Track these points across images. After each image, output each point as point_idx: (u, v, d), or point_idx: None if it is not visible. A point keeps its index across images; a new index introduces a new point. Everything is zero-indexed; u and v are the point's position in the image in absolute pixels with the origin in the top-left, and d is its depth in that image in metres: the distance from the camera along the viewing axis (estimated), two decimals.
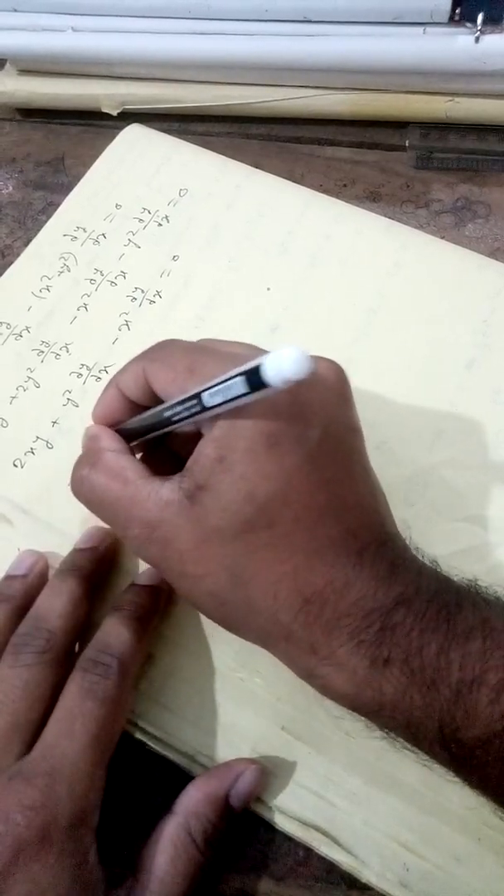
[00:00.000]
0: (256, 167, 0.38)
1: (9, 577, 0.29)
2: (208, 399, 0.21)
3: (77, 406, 0.33)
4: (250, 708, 0.27)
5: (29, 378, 0.34)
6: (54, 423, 0.33)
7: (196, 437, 0.23)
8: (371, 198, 0.39)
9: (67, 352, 0.34)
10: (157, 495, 0.23)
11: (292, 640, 0.22)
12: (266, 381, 0.19)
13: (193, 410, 0.22)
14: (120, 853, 0.24)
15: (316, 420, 0.22)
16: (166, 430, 0.24)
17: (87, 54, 0.40)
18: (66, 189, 0.39)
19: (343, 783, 0.26)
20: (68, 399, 0.33)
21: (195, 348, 0.25)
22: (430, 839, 0.25)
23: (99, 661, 0.25)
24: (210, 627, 0.28)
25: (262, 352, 0.21)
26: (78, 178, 0.38)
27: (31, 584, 0.29)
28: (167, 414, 0.23)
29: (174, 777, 0.27)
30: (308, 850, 0.26)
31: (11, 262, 0.37)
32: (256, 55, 0.38)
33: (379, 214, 0.37)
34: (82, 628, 0.28)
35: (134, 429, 0.26)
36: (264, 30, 0.38)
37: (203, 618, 0.29)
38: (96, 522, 0.30)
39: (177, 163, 0.38)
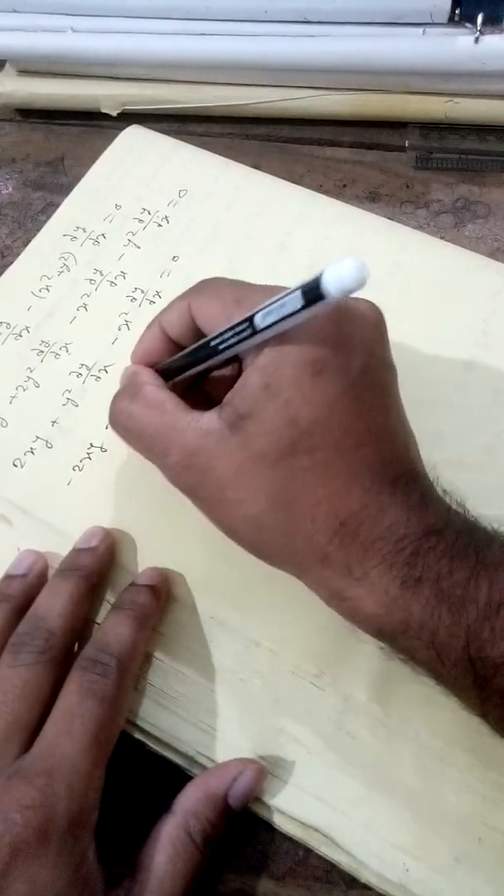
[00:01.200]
0: (256, 168, 0.38)
1: (8, 577, 0.29)
2: (260, 320, 0.22)
3: (77, 406, 0.33)
4: (250, 708, 0.27)
5: (29, 378, 0.34)
6: (54, 422, 0.33)
7: (231, 380, 0.24)
8: (370, 198, 0.39)
9: (67, 352, 0.34)
10: (196, 424, 0.23)
11: (327, 562, 0.23)
12: (325, 291, 0.19)
13: (244, 335, 0.22)
14: (119, 853, 0.24)
15: (358, 352, 0.23)
16: (208, 363, 0.25)
17: (86, 55, 0.40)
18: (66, 189, 0.39)
19: (343, 784, 0.26)
20: (68, 399, 0.33)
21: (241, 282, 0.25)
22: (429, 840, 0.25)
23: (98, 660, 0.25)
24: (210, 627, 0.28)
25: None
26: (78, 178, 0.39)
27: (31, 583, 0.29)
28: (214, 342, 0.24)
29: (173, 777, 0.27)
30: (308, 851, 0.26)
31: (11, 263, 0.37)
32: (256, 56, 0.38)
33: (378, 215, 0.37)
34: (82, 628, 0.28)
35: (173, 367, 0.26)
36: (264, 30, 0.38)
37: (203, 618, 0.29)
38: (95, 522, 0.30)
39: (176, 163, 0.38)
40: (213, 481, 0.23)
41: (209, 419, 0.23)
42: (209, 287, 0.25)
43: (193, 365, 0.25)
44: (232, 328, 0.23)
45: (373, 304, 0.25)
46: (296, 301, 0.20)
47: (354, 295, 0.20)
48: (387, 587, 0.22)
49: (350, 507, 0.23)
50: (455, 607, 0.21)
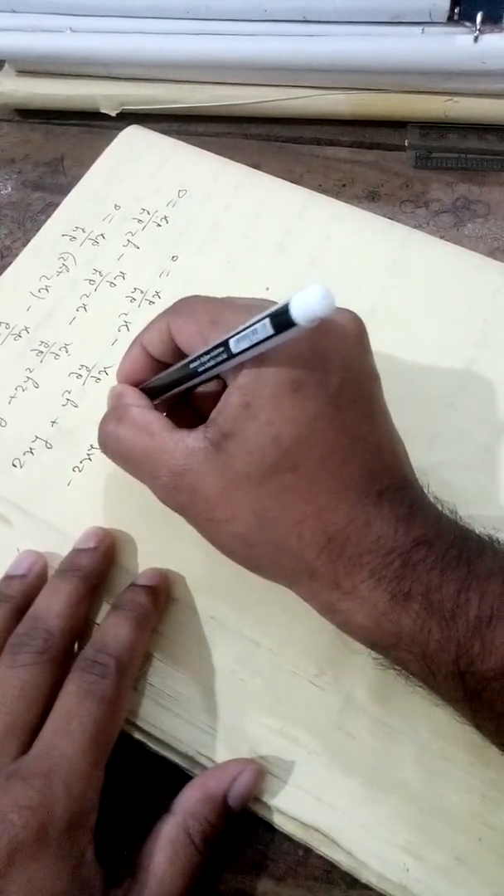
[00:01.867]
0: (255, 167, 0.38)
1: (8, 577, 0.29)
2: (235, 345, 0.22)
3: (76, 406, 0.33)
4: (249, 708, 0.27)
5: (28, 378, 0.34)
6: (53, 423, 0.33)
7: (216, 395, 0.24)
8: (370, 197, 0.39)
9: (67, 352, 0.34)
10: (183, 444, 0.24)
11: (316, 576, 0.23)
12: (293, 319, 0.20)
13: (220, 359, 0.23)
14: (118, 853, 0.24)
15: (336, 366, 0.23)
16: (191, 383, 0.25)
17: (85, 55, 0.40)
18: (65, 190, 0.39)
19: (342, 784, 0.26)
20: (67, 399, 0.33)
21: (217, 301, 0.25)
22: (430, 840, 0.25)
23: (97, 660, 0.25)
24: (210, 627, 0.28)
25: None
26: (77, 178, 0.39)
27: (30, 584, 0.29)
28: (193, 365, 0.24)
29: (173, 777, 0.27)
30: (308, 850, 0.26)
31: (10, 263, 0.37)
32: (255, 55, 0.38)
33: (378, 214, 0.37)
34: (81, 628, 0.28)
35: (158, 386, 0.27)
36: (263, 30, 0.38)
37: (203, 618, 0.29)
38: (95, 522, 0.30)
39: (175, 163, 0.38)
40: (201, 501, 0.24)
41: (195, 438, 0.24)
42: (186, 307, 0.26)
43: (176, 385, 0.26)
44: (208, 352, 0.23)
45: (353, 315, 0.25)
46: (266, 329, 0.21)
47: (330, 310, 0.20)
48: (376, 601, 0.22)
49: (337, 522, 0.23)
50: (445, 621, 0.21)
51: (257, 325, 0.21)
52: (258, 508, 0.23)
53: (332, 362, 0.23)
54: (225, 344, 0.22)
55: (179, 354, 0.25)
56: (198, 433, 0.24)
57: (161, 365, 0.27)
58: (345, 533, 0.22)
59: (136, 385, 0.27)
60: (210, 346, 0.23)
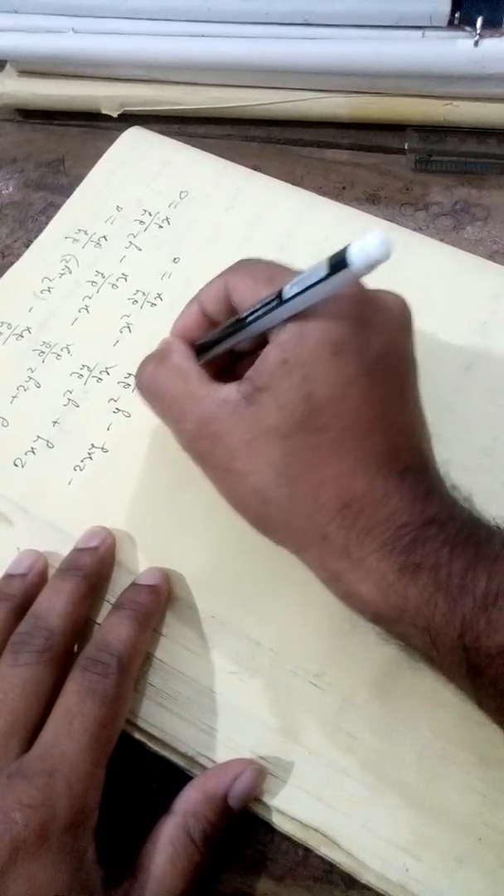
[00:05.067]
0: (256, 169, 0.39)
1: (8, 576, 0.29)
2: (287, 290, 0.23)
3: (78, 406, 0.33)
4: (249, 709, 0.27)
5: (30, 378, 0.34)
6: (55, 422, 0.33)
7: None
8: (370, 200, 0.39)
9: (68, 352, 0.34)
10: (214, 394, 0.24)
11: (326, 542, 0.23)
12: (349, 260, 0.20)
13: (271, 306, 0.23)
14: (119, 853, 0.24)
15: (378, 339, 0.23)
16: (239, 338, 0.26)
17: (87, 56, 0.40)
18: (67, 190, 0.39)
19: (342, 784, 0.26)
20: (69, 399, 0.33)
21: (276, 263, 0.26)
22: (430, 840, 0.25)
23: (98, 660, 0.25)
24: (210, 627, 0.28)
25: None
26: (78, 178, 0.39)
27: (31, 583, 0.29)
28: (243, 315, 0.25)
29: (173, 777, 0.27)
30: (307, 851, 0.26)
31: (11, 263, 0.37)
32: (256, 58, 0.38)
33: (378, 217, 0.37)
34: (82, 628, 0.28)
35: (207, 342, 0.27)
36: (264, 32, 0.38)
37: (203, 618, 0.29)
38: (96, 521, 0.30)
39: (177, 165, 0.38)
40: (223, 451, 0.24)
41: (227, 391, 0.24)
42: (245, 266, 0.26)
43: (225, 339, 0.26)
44: (261, 301, 0.24)
45: (400, 297, 0.25)
46: (321, 270, 0.21)
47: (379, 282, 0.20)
48: (384, 572, 0.22)
49: (354, 490, 0.23)
50: (452, 596, 0.21)
51: (312, 269, 0.22)
52: (280, 464, 0.23)
53: (374, 334, 0.23)
54: (279, 293, 0.23)
55: (232, 313, 0.26)
56: (231, 386, 0.24)
57: (214, 325, 0.27)
58: (361, 503, 0.23)
59: (187, 341, 0.28)
60: (265, 297, 0.24)
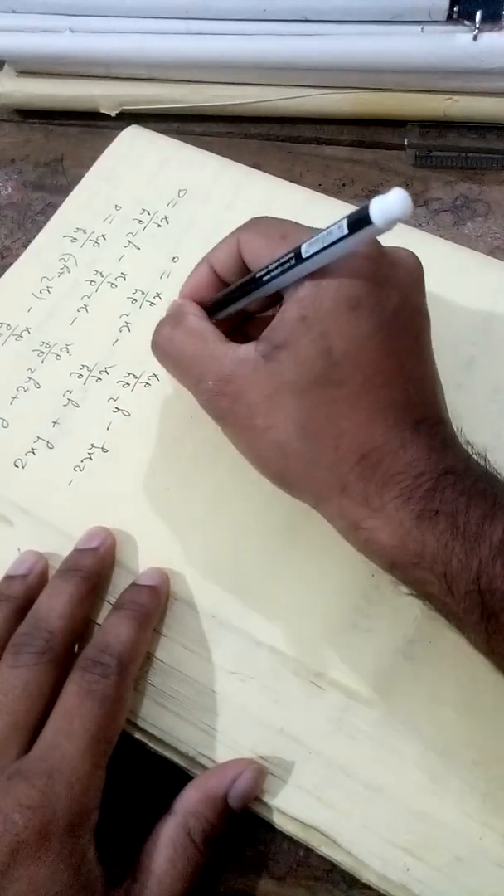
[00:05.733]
0: (255, 167, 0.38)
1: (9, 578, 0.29)
2: (306, 249, 0.23)
3: (78, 406, 0.33)
4: (250, 708, 0.27)
5: (29, 378, 0.34)
6: (55, 423, 0.33)
7: (270, 320, 0.25)
8: (370, 197, 0.39)
9: (68, 352, 0.34)
10: (233, 353, 0.25)
11: (346, 491, 0.23)
12: (371, 218, 0.21)
13: (288, 266, 0.24)
14: (119, 853, 0.24)
15: (394, 294, 0.24)
16: (253, 297, 0.26)
17: (85, 55, 0.40)
18: (65, 190, 0.39)
19: (343, 784, 0.26)
20: (69, 399, 0.33)
21: (288, 221, 0.26)
22: (430, 840, 0.25)
23: (98, 660, 0.25)
24: (211, 627, 0.28)
25: None
26: (77, 178, 0.39)
27: (32, 584, 0.29)
28: (259, 274, 0.25)
29: (174, 777, 0.27)
30: (308, 850, 0.26)
31: (10, 264, 0.37)
32: (255, 55, 0.38)
33: None
34: (82, 629, 0.28)
35: (220, 300, 0.27)
36: (262, 29, 0.38)
37: (203, 618, 0.29)
38: (96, 522, 0.30)
39: (176, 164, 0.38)
40: (243, 408, 0.24)
41: (246, 349, 0.25)
42: (257, 224, 0.27)
43: (239, 298, 0.27)
44: (277, 260, 0.24)
45: (414, 255, 0.26)
46: (341, 228, 0.22)
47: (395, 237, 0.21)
48: (403, 519, 0.22)
49: (373, 440, 0.23)
50: (469, 543, 0.21)
51: (332, 227, 0.22)
52: (299, 418, 0.24)
53: (390, 289, 0.24)
54: (296, 251, 0.23)
55: (244, 273, 0.26)
56: (249, 346, 0.25)
57: (223, 286, 0.28)
58: (379, 452, 0.23)
59: (197, 302, 0.28)
60: (280, 255, 0.24)
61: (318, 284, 0.23)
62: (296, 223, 0.26)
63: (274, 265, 0.24)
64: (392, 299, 0.24)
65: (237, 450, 0.26)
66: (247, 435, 0.25)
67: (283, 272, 0.24)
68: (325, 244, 0.22)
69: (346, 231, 0.22)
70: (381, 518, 0.23)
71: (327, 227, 0.22)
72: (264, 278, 0.25)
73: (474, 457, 0.24)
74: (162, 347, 0.27)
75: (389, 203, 0.20)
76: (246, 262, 0.26)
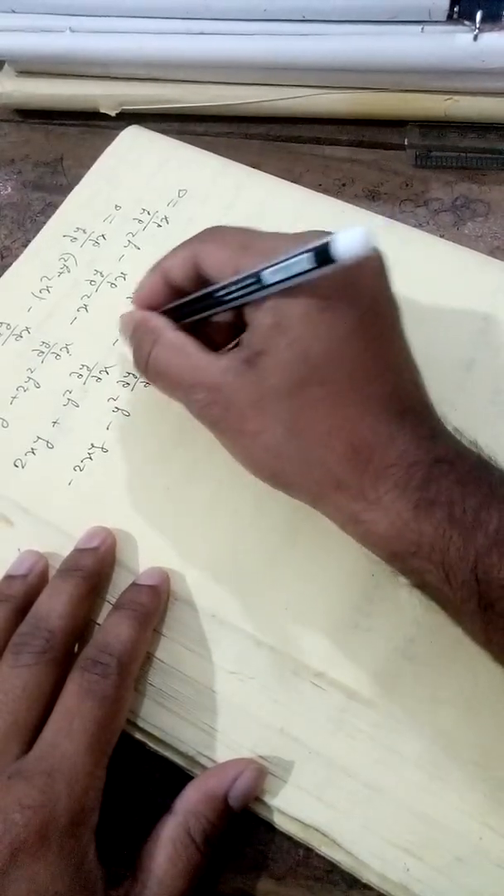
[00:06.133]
0: (255, 167, 0.38)
1: (9, 577, 0.29)
2: (269, 277, 0.23)
3: (77, 406, 0.33)
4: (250, 708, 0.27)
5: (29, 378, 0.34)
6: (55, 423, 0.33)
7: (229, 325, 0.26)
8: (370, 197, 0.39)
9: (68, 352, 0.34)
10: (217, 362, 0.25)
11: (342, 487, 0.24)
12: (336, 257, 0.21)
13: (251, 290, 0.24)
14: (120, 853, 0.24)
15: (364, 291, 0.24)
16: (214, 311, 0.26)
17: (85, 55, 0.40)
18: (65, 190, 0.39)
19: (343, 784, 0.26)
20: (69, 399, 0.33)
21: (246, 229, 0.27)
22: (430, 840, 0.25)
23: (98, 660, 0.25)
24: (211, 627, 0.28)
25: (307, 236, 0.24)
26: (77, 178, 0.39)
27: (32, 584, 0.29)
28: (220, 294, 0.25)
29: (174, 777, 0.27)
30: (308, 850, 0.26)
31: (10, 264, 0.37)
32: (255, 55, 0.38)
33: (378, 213, 0.36)
34: (82, 628, 0.28)
35: (178, 312, 0.27)
36: (262, 29, 0.38)
37: (203, 617, 0.29)
38: (96, 521, 0.30)
39: (176, 163, 0.38)
40: (234, 415, 0.25)
41: (228, 358, 0.25)
42: (215, 234, 0.27)
43: (199, 312, 0.27)
44: (238, 282, 0.24)
45: (375, 247, 0.25)
46: (305, 263, 0.22)
47: None
48: (400, 510, 0.23)
49: (362, 434, 0.23)
50: (466, 531, 0.22)
51: (295, 260, 0.22)
52: (287, 420, 0.24)
53: (360, 287, 0.24)
54: (257, 276, 0.23)
55: (200, 283, 0.26)
56: (231, 354, 0.25)
57: (177, 294, 0.28)
58: (370, 445, 0.23)
59: (152, 310, 0.28)
60: (241, 276, 0.24)
61: (288, 292, 0.24)
62: (254, 231, 0.26)
63: (235, 286, 0.24)
64: (363, 297, 0.24)
65: (232, 456, 0.26)
66: (239, 440, 0.25)
67: (244, 294, 0.24)
68: (289, 275, 0.23)
69: (310, 265, 0.22)
70: (378, 510, 0.23)
71: (290, 256, 0.22)
72: (225, 297, 0.25)
73: (464, 443, 0.24)
74: (149, 369, 0.27)
75: (353, 241, 0.21)
76: (205, 274, 0.26)
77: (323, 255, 0.22)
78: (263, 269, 0.23)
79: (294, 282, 0.23)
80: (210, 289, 0.26)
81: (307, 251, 0.22)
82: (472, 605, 0.22)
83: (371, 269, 0.25)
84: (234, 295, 0.25)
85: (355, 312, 0.24)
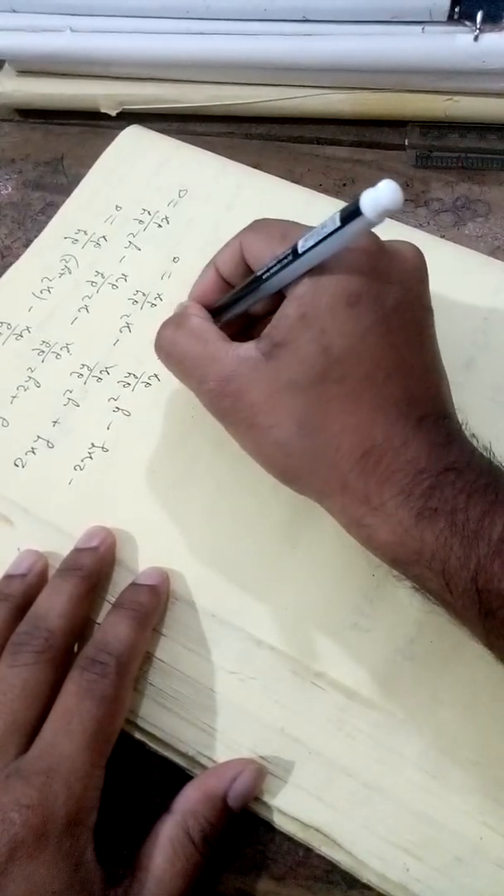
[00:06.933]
0: (256, 167, 0.38)
1: (8, 577, 0.29)
2: (302, 244, 0.23)
3: (78, 406, 0.33)
4: (250, 708, 0.27)
5: (30, 378, 0.34)
6: (55, 422, 0.33)
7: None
8: None
9: (68, 352, 0.34)
10: (234, 353, 0.25)
11: (347, 489, 0.23)
12: (361, 209, 0.21)
13: (286, 262, 0.24)
14: (118, 853, 0.24)
15: (393, 288, 0.24)
16: (255, 296, 0.26)
17: (85, 55, 0.40)
18: (66, 190, 0.39)
19: (343, 784, 0.26)
20: (69, 399, 0.33)
21: (288, 221, 0.27)
22: (430, 840, 0.25)
23: (97, 659, 0.25)
24: (211, 627, 0.28)
25: None
26: (77, 178, 0.39)
27: (31, 583, 0.29)
28: (259, 273, 0.25)
29: (174, 777, 0.27)
30: (308, 850, 0.26)
31: (11, 263, 0.37)
32: (255, 55, 0.38)
33: None
34: (82, 628, 0.28)
35: (224, 304, 0.28)
36: (263, 29, 0.38)
37: (203, 617, 0.29)
38: (96, 521, 0.30)
39: (176, 163, 0.38)
40: (245, 407, 0.24)
41: (246, 348, 0.25)
42: (259, 225, 0.27)
43: (242, 299, 0.27)
44: (277, 258, 0.24)
45: (415, 248, 0.26)
46: (333, 222, 0.22)
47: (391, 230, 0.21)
48: (402, 517, 0.22)
49: (374, 438, 0.23)
50: (467, 541, 0.21)
51: (326, 221, 0.22)
52: (301, 416, 0.24)
53: (390, 283, 0.24)
54: (293, 247, 0.23)
55: (248, 275, 0.26)
56: (249, 344, 0.25)
57: (230, 288, 0.28)
58: (380, 450, 0.23)
59: (205, 306, 0.28)
60: (279, 255, 0.24)
61: (317, 281, 0.24)
62: (296, 223, 0.26)
63: (273, 263, 0.24)
64: (391, 293, 0.24)
65: (241, 448, 0.26)
66: (250, 434, 0.25)
67: (281, 269, 0.24)
68: (320, 238, 0.22)
69: (338, 223, 0.22)
70: (380, 516, 0.23)
71: (322, 223, 0.23)
72: (264, 276, 0.25)
73: (479, 450, 0.24)
74: (164, 349, 0.27)
75: (379, 195, 0.21)
76: (249, 264, 0.26)
77: (350, 210, 0.21)
78: (298, 241, 0.23)
79: (327, 248, 0.22)
80: (251, 276, 0.26)
81: (336, 212, 0.22)
82: (473, 613, 0.22)
83: (406, 270, 0.25)
84: (272, 271, 0.24)
85: (382, 310, 0.24)
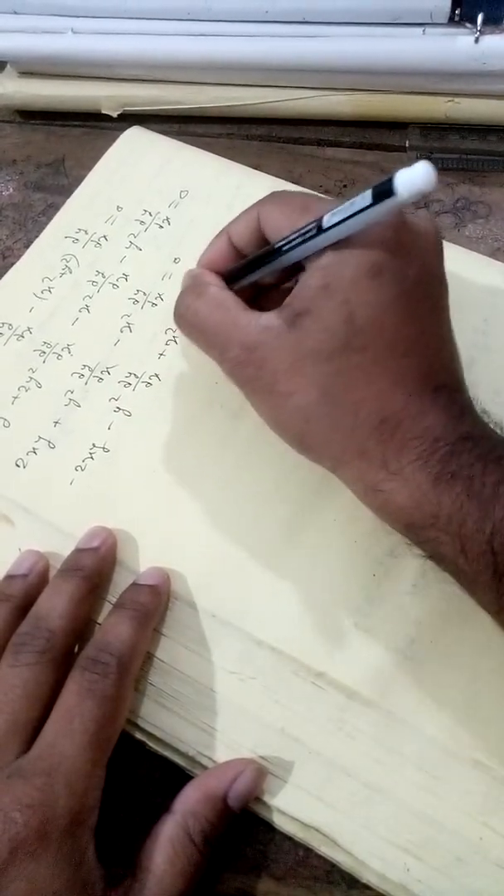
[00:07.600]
0: (256, 168, 0.38)
1: (9, 577, 0.29)
2: (328, 220, 0.23)
3: (79, 406, 0.33)
4: (250, 708, 0.27)
5: (31, 378, 0.34)
6: (56, 423, 0.33)
7: (288, 293, 0.25)
8: None
9: (69, 352, 0.34)
10: (257, 321, 0.25)
11: (365, 455, 0.24)
12: (395, 189, 0.21)
13: (309, 235, 0.24)
14: (119, 852, 0.24)
15: (415, 261, 0.24)
16: (272, 268, 0.26)
17: (87, 56, 0.40)
18: (67, 191, 0.39)
19: (343, 784, 0.26)
20: (70, 399, 0.33)
21: (308, 193, 0.27)
22: (430, 840, 0.25)
23: (98, 659, 0.25)
24: (211, 627, 0.28)
25: None
26: (78, 179, 0.39)
27: (32, 583, 0.29)
28: (279, 244, 0.25)
29: (174, 777, 0.27)
30: (308, 850, 0.26)
31: (12, 264, 0.37)
32: (256, 56, 0.38)
33: None
34: (83, 628, 0.28)
35: (238, 270, 0.28)
36: (264, 31, 0.38)
37: (204, 617, 0.29)
38: (97, 521, 0.30)
39: (177, 164, 0.38)
40: (267, 374, 0.25)
41: (268, 317, 0.25)
42: (278, 197, 0.27)
43: (257, 268, 0.27)
44: (299, 230, 0.24)
45: (432, 220, 0.26)
46: (364, 200, 0.22)
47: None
48: (420, 482, 0.23)
49: (392, 406, 0.24)
50: (483, 505, 0.22)
51: (356, 198, 0.22)
52: (322, 384, 0.24)
53: (411, 256, 0.24)
54: (318, 221, 0.24)
55: (263, 245, 0.27)
56: (271, 313, 0.25)
57: (241, 258, 0.28)
58: (398, 417, 0.24)
59: (214, 272, 0.28)
60: (302, 227, 0.24)
61: (341, 252, 0.24)
62: (317, 196, 0.26)
63: (295, 235, 0.25)
64: (413, 267, 0.24)
65: (259, 415, 0.26)
66: (270, 400, 0.25)
67: (303, 242, 0.24)
68: (348, 214, 0.23)
69: (369, 201, 0.22)
70: (398, 480, 0.23)
71: (350, 199, 0.23)
72: (284, 248, 0.25)
73: (491, 425, 0.25)
74: (186, 318, 0.27)
75: (415, 175, 0.21)
76: (266, 235, 0.27)
77: (384, 187, 0.21)
78: (324, 215, 0.23)
79: (353, 225, 0.23)
80: (269, 247, 0.26)
81: (368, 189, 0.22)
82: (487, 577, 0.22)
83: (424, 241, 0.25)
84: (294, 243, 0.25)
85: (403, 282, 0.24)
